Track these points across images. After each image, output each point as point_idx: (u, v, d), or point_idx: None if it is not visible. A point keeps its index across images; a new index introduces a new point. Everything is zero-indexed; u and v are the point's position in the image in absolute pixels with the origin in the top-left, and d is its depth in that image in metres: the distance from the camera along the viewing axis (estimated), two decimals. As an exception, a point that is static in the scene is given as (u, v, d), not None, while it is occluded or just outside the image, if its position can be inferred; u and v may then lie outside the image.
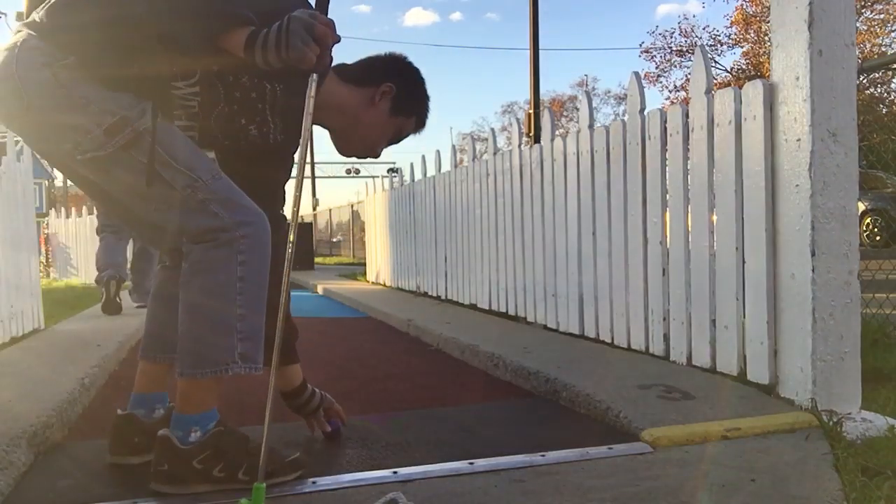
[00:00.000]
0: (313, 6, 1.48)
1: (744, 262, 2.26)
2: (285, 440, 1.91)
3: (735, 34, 24.75)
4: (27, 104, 1.45)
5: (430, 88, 1.89)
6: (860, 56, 15.06)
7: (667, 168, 2.74)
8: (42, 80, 1.44)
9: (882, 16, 21.89)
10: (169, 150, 1.50)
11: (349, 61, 1.86)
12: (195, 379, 1.51)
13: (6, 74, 1.46)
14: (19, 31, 1.50)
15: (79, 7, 1.48)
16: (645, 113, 2.85)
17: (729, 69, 24.83)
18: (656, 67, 25.91)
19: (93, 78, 1.46)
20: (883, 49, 21.51)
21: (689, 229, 2.59)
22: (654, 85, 25.85)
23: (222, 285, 1.51)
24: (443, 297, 5.42)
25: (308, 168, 26.79)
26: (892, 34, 22.14)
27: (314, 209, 23.09)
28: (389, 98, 1.82)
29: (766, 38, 21.48)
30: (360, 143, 1.88)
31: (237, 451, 1.53)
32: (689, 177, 2.59)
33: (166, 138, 1.51)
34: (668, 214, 2.74)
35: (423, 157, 5.98)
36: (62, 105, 1.45)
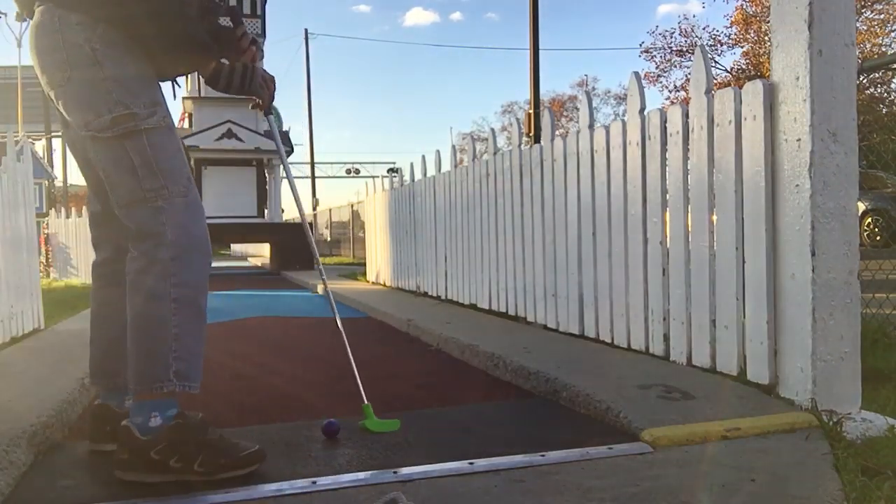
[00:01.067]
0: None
1: (744, 262, 2.26)
2: (285, 440, 1.91)
3: (735, 34, 24.72)
4: (69, 76, 1.59)
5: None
6: (860, 56, 15.04)
7: (667, 168, 2.74)
8: (83, 57, 1.57)
9: (882, 16, 21.87)
10: (156, 152, 1.61)
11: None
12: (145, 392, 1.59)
13: (53, 47, 1.59)
14: (39, 5, 1.60)
15: None
16: (645, 113, 2.85)
17: (729, 69, 24.81)
18: (656, 67, 25.87)
19: (125, 49, 1.60)
20: (883, 49, 21.49)
21: (689, 229, 2.59)
22: (654, 85, 25.82)
23: (155, 307, 1.59)
24: (443, 297, 5.42)
25: (308, 168, 26.85)
26: (892, 34, 22.13)
27: (314, 209, 23.08)
28: None
29: (766, 38, 21.46)
30: None
31: (194, 443, 1.57)
32: (688, 177, 2.59)
33: (159, 141, 1.62)
34: (668, 214, 2.74)
35: (423, 157, 6.00)
36: (93, 83, 1.58)
